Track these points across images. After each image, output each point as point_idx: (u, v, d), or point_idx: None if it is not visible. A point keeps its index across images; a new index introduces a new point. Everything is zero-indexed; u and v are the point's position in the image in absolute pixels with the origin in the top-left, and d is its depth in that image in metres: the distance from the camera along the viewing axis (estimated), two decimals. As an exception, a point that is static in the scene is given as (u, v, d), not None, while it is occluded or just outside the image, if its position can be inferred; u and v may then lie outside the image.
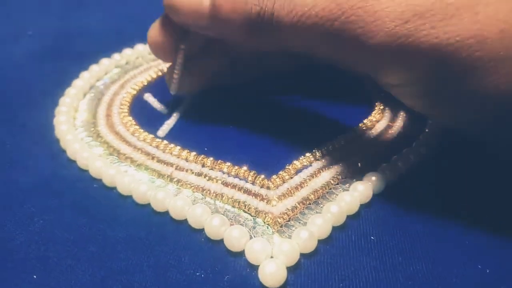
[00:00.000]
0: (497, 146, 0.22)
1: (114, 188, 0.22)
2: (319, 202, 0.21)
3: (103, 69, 0.31)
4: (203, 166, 0.23)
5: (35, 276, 0.18)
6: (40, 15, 0.41)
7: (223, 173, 0.22)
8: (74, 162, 0.24)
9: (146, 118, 0.27)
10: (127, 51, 0.33)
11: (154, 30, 0.24)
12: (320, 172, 0.22)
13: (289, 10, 0.18)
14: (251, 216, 0.20)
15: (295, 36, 0.19)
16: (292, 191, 0.21)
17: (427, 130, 0.25)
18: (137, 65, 0.33)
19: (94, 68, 0.31)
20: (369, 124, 0.26)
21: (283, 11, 0.18)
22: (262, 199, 0.21)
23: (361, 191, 0.21)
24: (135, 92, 0.30)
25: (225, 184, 0.22)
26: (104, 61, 0.32)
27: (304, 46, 0.20)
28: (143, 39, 0.34)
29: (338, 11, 0.17)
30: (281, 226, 0.20)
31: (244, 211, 0.21)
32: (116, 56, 0.33)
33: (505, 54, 0.16)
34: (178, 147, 0.24)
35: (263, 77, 0.29)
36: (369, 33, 0.17)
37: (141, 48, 0.34)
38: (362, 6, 0.17)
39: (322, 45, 0.19)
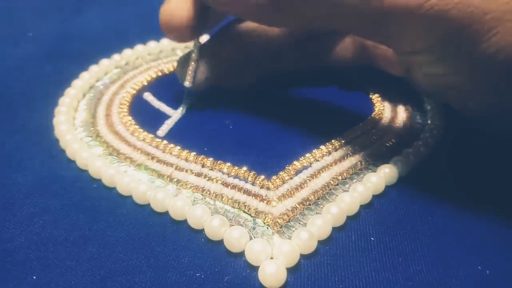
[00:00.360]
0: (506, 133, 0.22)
1: (113, 188, 0.22)
2: (319, 203, 0.21)
3: (102, 70, 0.31)
4: (203, 166, 0.23)
5: (34, 277, 0.18)
6: (40, 17, 0.41)
7: (223, 173, 0.22)
8: (73, 162, 0.24)
9: (145, 118, 0.27)
10: (127, 52, 0.33)
11: (170, 7, 0.23)
12: (320, 173, 0.22)
13: None
14: (251, 216, 0.20)
15: (320, 5, 0.19)
16: (292, 191, 0.21)
17: (426, 133, 0.25)
18: (137, 65, 0.33)
19: (93, 68, 0.31)
20: (369, 123, 0.26)
21: None
22: (262, 200, 0.21)
23: (361, 192, 0.21)
24: (134, 92, 0.30)
25: (225, 184, 0.22)
26: (104, 62, 0.32)
27: (326, 16, 0.19)
28: (143, 39, 0.34)
29: None
30: (281, 227, 0.20)
31: (244, 212, 0.21)
32: (115, 56, 0.33)
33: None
34: (178, 147, 0.24)
35: (269, 77, 0.29)
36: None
37: (141, 49, 0.34)
38: None
39: (344, 13, 0.19)
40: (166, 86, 0.31)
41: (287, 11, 0.20)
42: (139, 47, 0.34)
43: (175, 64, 0.32)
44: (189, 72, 0.26)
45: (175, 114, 0.28)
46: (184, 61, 0.26)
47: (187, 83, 0.26)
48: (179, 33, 0.24)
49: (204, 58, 0.26)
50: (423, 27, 0.17)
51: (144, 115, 0.27)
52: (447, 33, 0.17)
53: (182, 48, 0.35)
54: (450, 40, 0.17)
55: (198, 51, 0.26)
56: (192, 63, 0.26)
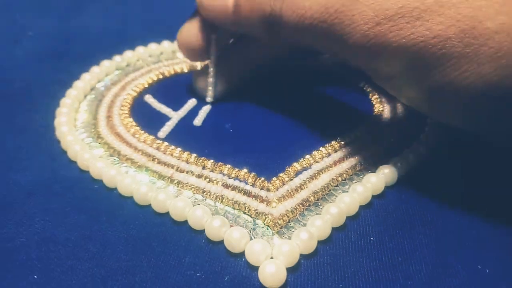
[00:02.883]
0: (497, 140, 0.22)
1: (114, 189, 0.22)
2: (319, 203, 0.21)
3: (103, 71, 0.32)
4: (203, 168, 0.23)
5: (36, 276, 0.18)
6: (41, 17, 0.41)
7: (224, 175, 0.23)
8: (74, 163, 0.24)
9: (146, 119, 0.27)
10: (128, 53, 0.33)
11: (185, 32, 0.27)
12: (319, 174, 0.22)
13: (292, 11, 0.21)
14: (251, 217, 0.21)
15: (299, 33, 0.22)
16: (292, 193, 0.21)
17: (426, 134, 0.25)
18: (138, 67, 0.33)
19: (94, 69, 0.31)
20: (368, 124, 0.26)
21: (289, 12, 0.21)
22: (262, 201, 0.21)
23: (360, 192, 0.21)
24: (135, 94, 0.30)
25: (226, 186, 0.22)
26: (105, 63, 0.32)
27: (306, 42, 0.22)
28: (144, 41, 0.34)
29: (326, 14, 0.20)
30: (281, 228, 0.20)
31: (244, 213, 0.21)
32: (117, 58, 0.33)
33: (464, 51, 0.17)
34: (179, 149, 0.24)
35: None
36: (348, 34, 0.19)
37: (142, 51, 0.34)
38: (343, 10, 0.19)
39: (318, 41, 0.21)
40: (167, 88, 0.31)
41: (278, 37, 0.23)
42: (140, 49, 0.34)
43: (176, 67, 0.32)
44: (210, 88, 0.28)
45: (175, 116, 0.28)
46: (199, 76, 0.29)
47: (209, 99, 0.29)
48: (195, 57, 0.28)
49: (219, 72, 0.28)
50: (384, 54, 0.19)
51: (145, 117, 0.28)
52: (409, 60, 0.18)
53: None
54: (413, 67, 0.18)
55: (214, 67, 0.28)
56: (210, 79, 0.28)
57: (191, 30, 0.27)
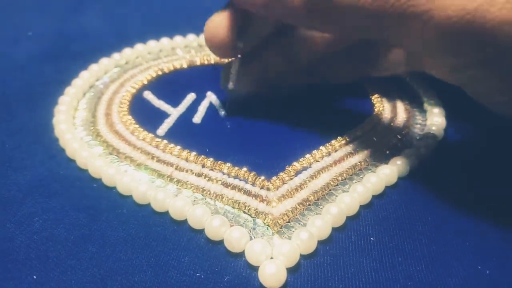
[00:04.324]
0: None
1: (113, 188, 0.22)
2: (319, 203, 0.21)
3: (102, 69, 0.31)
4: (203, 166, 0.23)
5: (35, 276, 0.18)
6: (40, 16, 0.40)
7: (223, 174, 0.22)
8: (73, 161, 0.24)
9: (145, 117, 0.27)
10: (126, 51, 0.33)
11: (213, 24, 0.24)
12: (319, 174, 0.22)
13: None
14: (251, 217, 0.20)
15: (354, 16, 0.19)
16: (292, 192, 0.21)
17: (426, 134, 0.25)
18: (137, 64, 0.33)
19: (93, 67, 0.31)
20: (368, 124, 0.26)
21: None
22: (262, 200, 0.21)
23: (360, 192, 0.21)
24: (134, 91, 0.30)
25: (225, 185, 0.22)
26: (104, 61, 0.32)
27: (362, 27, 0.20)
28: (143, 39, 0.34)
29: None
30: (281, 227, 0.20)
31: (244, 212, 0.21)
32: (116, 55, 0.33)
33: None
34: (178, 147, 0.24)
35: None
36: (429, 13, 0.17)
37: (141, 48, 0.34)
38: None
39: (384, 26, 0.19)
40: (166, 85, 0.31)
41: (320, 15, 0.20)
42: (139, 46, 0.34)
43: (176, 63, 0.32)
44: (232, 75, 0.26)
45: (174, 112, 0.28)
46: (227, 66, 0.27)
47: (230, 85, 0.26)
48: (222, 52, 0.25)
49: (248, 65, 0.26)
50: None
51: (144, 114, 0.27)
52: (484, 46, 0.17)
53: (182, 48, 0.35)
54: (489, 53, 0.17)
55: (240, 61, 0.26)
56: (236, 68, 0.26)
57: (220, 22, 0.24)
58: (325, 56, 0.27)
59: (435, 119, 0.26)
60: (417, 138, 0.25)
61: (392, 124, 0.26)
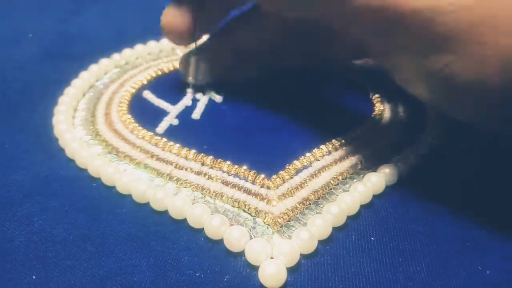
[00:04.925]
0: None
1: (113, 187, 0.22)
2: (319, 202, 0.21)
3: (102, 69, 0.31)
4: (202, 164, 0.23)
5: (34, 277, 0.18)
6: (40, 17, 0.41)
7: (223, 172, 0.22)
8: (73, 161, 0.24)
9: (145, 116, 0.27)
10: (126, 51, 0.33)
11: (170, 13, 0.26)
12: (320, 173, 0.22)
13: None
14: (251, 216, 0.20)
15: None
16: (292, 191, 0.21)
17: (426, 133, 0.25)
18: (137, 65, 0.33)
19: (93, 68, 0.31)
20: (369, 124, 0.26)
21: None
22: (262, 199, 0.21)
23: (361, 191, 0.21)
24: (134, 90, 0.29)
25: (225, 183, 0.22)
26: (104, 61, 0.32)
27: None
28: (143, 39, 0.34)
29: None
30: (281, 226, 0.20)
31: (244, 211, 0.21)
32: (115, 56, 0.33)
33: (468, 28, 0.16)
34: (178, 145, 0.24)
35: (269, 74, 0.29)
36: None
37: (141, 49, 0.34)
38: None
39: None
40: (166, 85, 0.30)
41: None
42: (139, 47, 0.34)
43: (175, 63, 0.32)
44: (191, 69, 0.28)
45: (173, 110, 0.28)
46: (185, 60, 0.28)
47: (190, 79, 0.28)
48: (178, 38, 0.27)
49: (205, 55, 0.28)
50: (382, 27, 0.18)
51: (144, 114, 0.27)
52: (402, 38, 0.18)
53: (182, 48, 0.35)
54: (405, 47, 0.18)
55: (198, 49, 0.27)
56: (193, 61, 0.27)
57: (176, 12, 0.26)
58: (272, 43, 0.28)
59: (435, 119, 0.26)
60: (418, 137, 0.25)
61: (392, 123, 0.26)
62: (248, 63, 0.29)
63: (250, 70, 0.29)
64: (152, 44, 0.34)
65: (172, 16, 0.26)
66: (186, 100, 0.28)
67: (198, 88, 0.29)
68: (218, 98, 0.29)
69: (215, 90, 0.29)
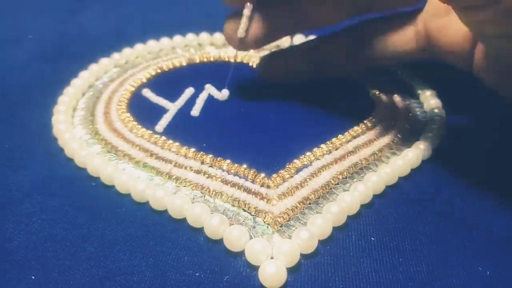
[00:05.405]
0: None
1: (112, 187, 0.22)
2: (319, 202, 0.21)
3: (102, 69, 0.31)
4: (202, 163, 0.23)
5: (33, 277, 0.18)
6: (40, 16, 0.40)
7: (223, 171, 0.22)
8: (72, 160, 0.24)
9: (144, 115, 0.27)
10: (126, 51, 0.33)
11: (230, 27, 0.25)
12: (320, 172, 0.22)
13: None
14: (251, 215, 0.20)
15: None
16: (292, 190, 0.21)
17: (426, 134, 0.25)
18: (137, 64, 0.33)
19: (93, 67, 0.31)
20: (369, 124, 0.26)
21: None
22: (262, 198, 0.21)
23: (361, 191, 0.21)
24: (133, 89, 0.29)
25: (225, 182, 0.22)
26: (103, 61, 0.32)
27: None
28: (142, 39, 0.34)
29: None
30: (281, 226, 0.20)
31: (244, 210, 0.21)
32: (115, 55, 0.33)
33: None
34: (177, 144, 0.24)
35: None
36: None
37: (141, 48, 0.34)
38: None
39: None
40: (165, 82, 0.30)
41: None
42: (138, 46, 0.34)
43: (175, 61, 0.32)
44: (243, 23, 0.25)
45: (172, 107, 0.27)
46: (237, 16, 0.26)
47: (240, 32, 0.26)
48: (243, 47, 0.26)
49: (258, 16, 0.26)
50: None
51: (143, 112, 0.27)
52: None
53: (182, 47, 0.35)
54: None
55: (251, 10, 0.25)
56: (247, 16, 0.25)
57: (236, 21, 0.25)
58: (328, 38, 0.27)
59: (435, 119, 0.26)
60: (417, 137, 0.25)
61: (392, 123, 0.26)
62: (302, 58, 0.28)
63: (300, 70, 0.28)
64: (152, 43, 0.34)
65: (232, 29, 0.25)
66: (185, 97, 0.28)
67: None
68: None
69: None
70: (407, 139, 0.25)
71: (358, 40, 0.27)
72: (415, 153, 0.23)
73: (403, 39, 0.26)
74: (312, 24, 0.27)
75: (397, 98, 0.28)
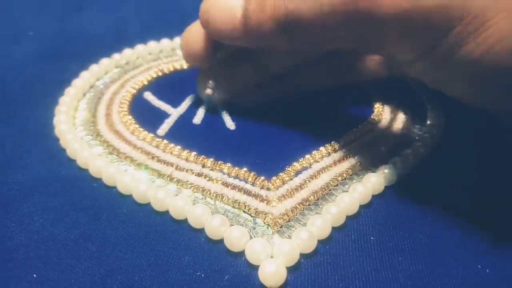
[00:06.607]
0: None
1: (114, 188, 0.22)
2: (319, 203, 0.21)
3: (103, 69, 0.31)
4: (203, 166, 0.23)
5: (35, 275, 0.18)
6: (40, 16, 0.40)
7: (223, 173, 0.22)
8: (74, 161, 0.24)
9: (146, 117, 0.27)
10: (127, 51, 0.33)
11: (190, 37, 0.25)
12: (319, 174, 0.22)
13: (310, 4, 0.19)
14: (251, 216, 0.20)
15: (320, 28, 0.19)
16: (292, 192, 0.21)
17: (426, 134, 0.25)
18: (137, 65, 0.33)
19: (94, 68, 0.31)
20: (368, 125, 0.26)
21: (305, 6, 0.19)
22: (262, 200, 0.21)
23: (360, 192, 0.21)
24: (135, 91, 0.30)
25: (225, 184, 0.22)
26: (104, 61, 0.32)
27: (327, 37, 0.20)
28: (143, 39, 0.34)
29: None
30: (281, 227, 0.20)
31: (244, 212, 0.21)
32: (116, 56, 0.33)
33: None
34: (178, 147, 0.24)
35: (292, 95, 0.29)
36: (378, 6, 0.17)
37: (141, 49, 0.34)
38: None
39: (340, 30, 0.19)
40: (167, 85, 0.31)
41: (295, 35, 0.20)
42: (139, 47, 0.34)
43: (176, 64, 0.32)
44: (208, 87, 0.27)
45: (174, 113, 0.28)
46: (203, 76, 0.27)
47: (208, 91, 0.27)
48: (198, 62, 0.26)
49: (225, 70, 0.27)
50: (408, 32, 0.18)
51: (145, 115, 0.27)
52: (431, 37, 0.17)
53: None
54: (435, 45, 0.18)
55: (218, 68, 0.27)
56: (210, 81, 0.27)
57: (197, 36, 0.24)
58: (297, 66, 0.27)
59: (435, 119, 0.26)
60: (416, 138, 0.25)
61: (391, 124, 0.26)
62: (273, 83, 0.28)
63: (273, 92, 0.28)
64: (152, 44, 0.34)
65: (192, 39, 0.24)
66: (187, 103, 0.28)
67: (211, 107, 0.28)
68: (230, 124, 0.27)
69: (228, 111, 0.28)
70: (405, 140, 0.25)
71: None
72: (414, 155, 0.23)
73: (372, 60, 0.27)
74: (276, 73, 0.28)
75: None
